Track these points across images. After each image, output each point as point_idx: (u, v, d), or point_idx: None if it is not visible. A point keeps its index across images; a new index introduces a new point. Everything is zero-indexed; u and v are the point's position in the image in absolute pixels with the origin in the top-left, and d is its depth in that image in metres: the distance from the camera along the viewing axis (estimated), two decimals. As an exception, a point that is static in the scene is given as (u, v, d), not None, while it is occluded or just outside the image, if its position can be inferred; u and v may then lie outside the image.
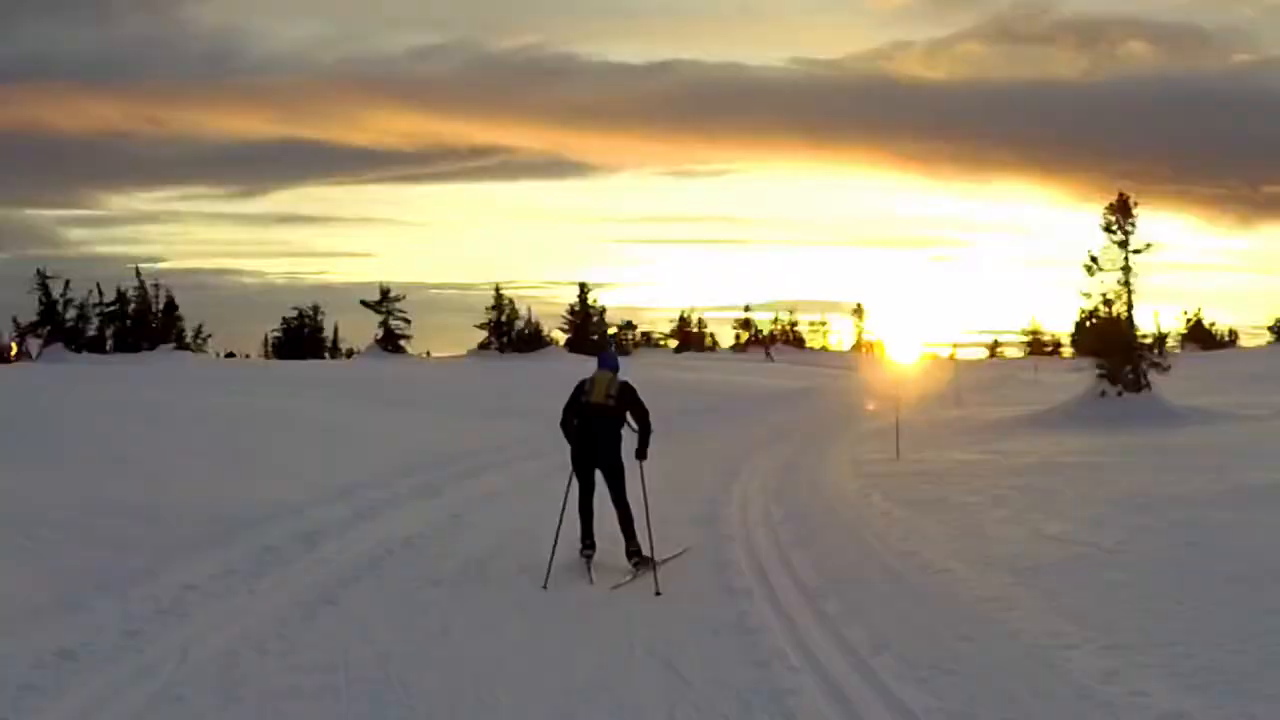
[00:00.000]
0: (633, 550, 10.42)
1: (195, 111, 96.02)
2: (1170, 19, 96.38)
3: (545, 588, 9.64)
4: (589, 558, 10.51)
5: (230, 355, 53.88)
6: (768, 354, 69.87)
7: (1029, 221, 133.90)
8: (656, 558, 10.28)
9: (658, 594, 9.40)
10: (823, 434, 24.51)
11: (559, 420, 10.77)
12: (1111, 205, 25.74)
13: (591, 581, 9.98)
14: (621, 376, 10.82)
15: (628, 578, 10.03)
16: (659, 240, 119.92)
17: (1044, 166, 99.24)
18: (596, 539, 10.62)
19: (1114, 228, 25.69)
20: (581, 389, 10.72)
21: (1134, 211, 25.62)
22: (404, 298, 53.74)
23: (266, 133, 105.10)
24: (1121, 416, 23.47)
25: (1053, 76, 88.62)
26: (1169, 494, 12.80)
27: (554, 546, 10.11)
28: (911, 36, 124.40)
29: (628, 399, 10.63)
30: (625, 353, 61.40)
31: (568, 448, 10.74)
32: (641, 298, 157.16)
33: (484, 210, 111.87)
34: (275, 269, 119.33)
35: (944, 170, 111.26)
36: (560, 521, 10.34)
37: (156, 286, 46.61)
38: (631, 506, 10.50)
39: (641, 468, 10.61)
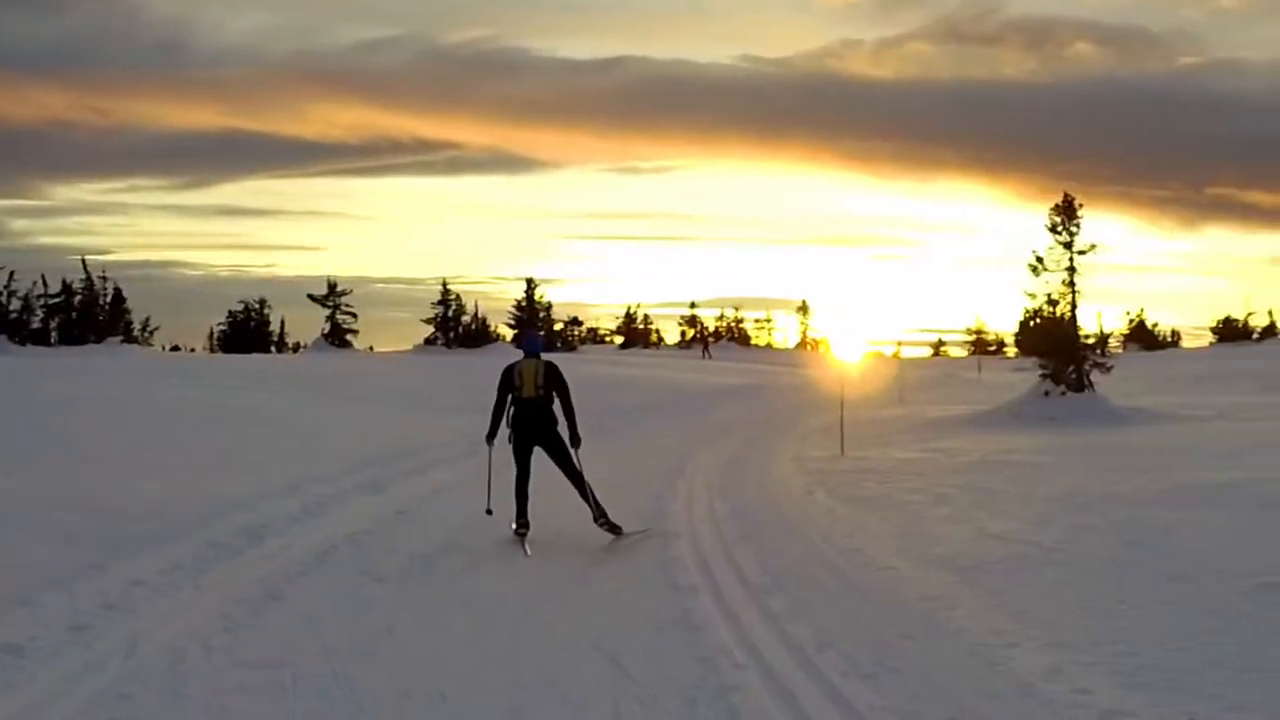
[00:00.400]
0: (598, 515, 11.53)
1: (143, 102, 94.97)
2: (1117, 20, 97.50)
3: (490, 512, 11.61)
4: (523, 536, 11.28)
5: (175, 349, 53.42)
6: (706, 351, 69.28)
7: (974, 221, 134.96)
8: (624, 530, 11.50)
9: (617, 528, 11.38)
10: (767, 431, 24.57)
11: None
12: (1057, 206, 25.92)
13: (527, 554, 10.74)
14: (545, 357, 11.88)
15: (609, 538, 11.35)
16: (605, 236, 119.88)
17: (990, 166, 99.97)
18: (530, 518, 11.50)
19: (1059, 228, 25.88)
20: (511, 380, 11.61)
21: (1079, 213, 25.82)
22: (350, 292, 53.43)
23: (214, 124, 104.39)
24: (1064, 416, 23.65)
25: (1000, 77, 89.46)
26: (1111, 493, 12.91)
27: (489, 481, 11.93)
28: (860, 35, 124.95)
29: (553, 380, 11.57)
30: (572, 349, 61.58)
31: (488, 428, 11.87)
32: (588, 293, 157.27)
33: (431, 205, 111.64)
34: (221, 262, 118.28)
35: (890, 169, 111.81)
36: (490, 470, 12.02)
37: (103, 278, 45.94)
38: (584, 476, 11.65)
39: (578, 455, 11.67)
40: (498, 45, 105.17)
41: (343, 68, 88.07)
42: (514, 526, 11.46)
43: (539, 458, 11.76)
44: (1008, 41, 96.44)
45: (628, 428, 23.61)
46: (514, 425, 11.67)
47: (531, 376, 11.58)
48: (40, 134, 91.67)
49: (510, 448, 11.79)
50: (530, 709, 6.38)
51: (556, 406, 11.70)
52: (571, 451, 11.72)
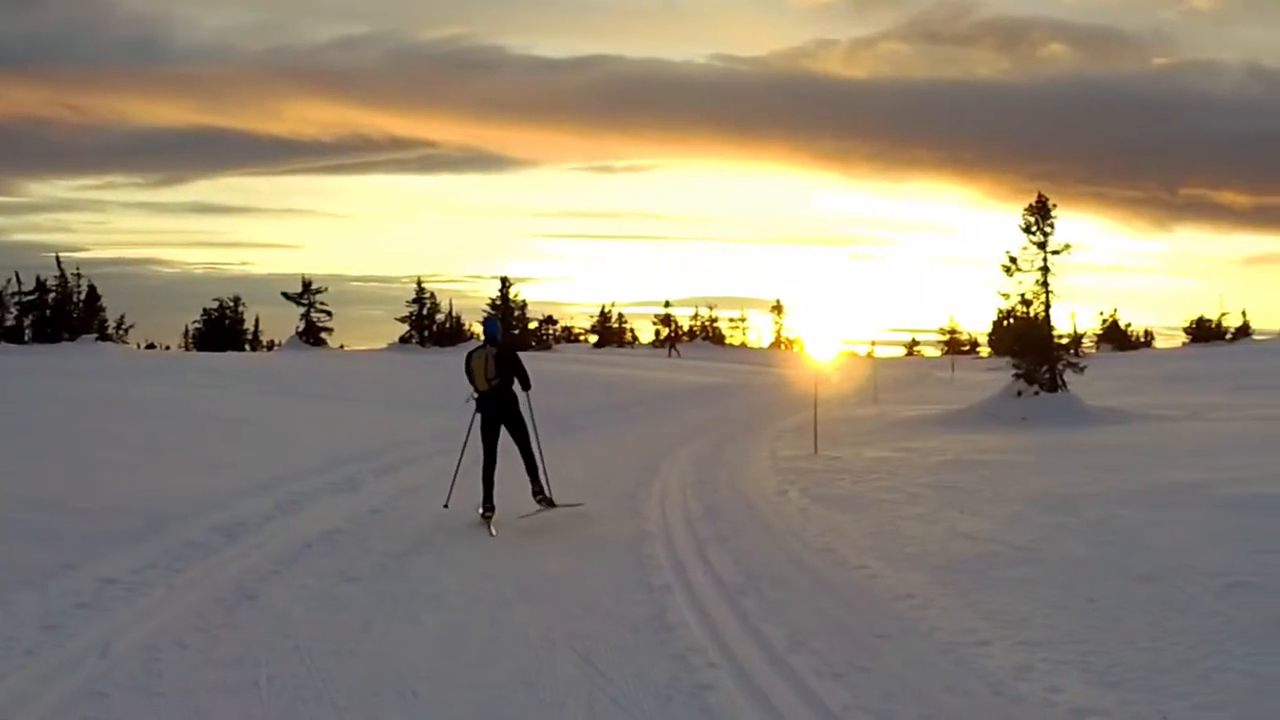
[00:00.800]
0: (537, 491, 12.52)
1: (117, 99, 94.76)
2: (1091, 21, 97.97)
3: (447, 506, 12.41)
4: (488, 518, 12.08)
5: (151, 346, 53.27)
6: (673, 350, 68.86)
7: (948, 221, 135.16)
8: (557, 502, 12.57)
9: (551, 503, 12.43)
10: (740, 430, 24.57)
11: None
12: (1031, 206, 25.94)
13: (492, 534, 11.58)
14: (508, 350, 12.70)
15: (536, 510, 12.36)
16: (581, 235, 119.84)
17: (963, 166, 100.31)
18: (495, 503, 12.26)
19: (1033, 229, 25.91)
20: (470, 369, 12.52)
21: (1052, 213, 25.86)
22: (325, 290, 53.38)
23: (188, 121, 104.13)
24: (1037, 416, 23.70)
25: (974, 77, 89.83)
26: (1083, 493, 12.94)
27: (455, 472, 12.87)
28: (834, 35, 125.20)
29: (506, 368, 12.38)
30: (546, 347, 61.62)
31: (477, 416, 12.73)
32: (563, 292, 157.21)
33: (406, 203, 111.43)
34: (196, 259, 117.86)
35: (864, 168, 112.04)
36: (461, 454, 12.97)
37: (78, 275, 45.73)
38: (536, 456, 12.64)
39: (537, 441, 12.72)
40: (472, 43, 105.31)
41: (317, 65, 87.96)
42: (480, 510, 12.20)
43: (504, 451, 12.44)
44: (982, 42, 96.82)
45: (600, 426, 23.65)
46: (479, 409, 12.59)
47: (481, 370, 12.46)
48: (14, 131, 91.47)
49: (480, 444, 12.52)
50: (504, 708, 6.39)
51: (517, 386, 12.55)
52: (531, 435, 12.61)
